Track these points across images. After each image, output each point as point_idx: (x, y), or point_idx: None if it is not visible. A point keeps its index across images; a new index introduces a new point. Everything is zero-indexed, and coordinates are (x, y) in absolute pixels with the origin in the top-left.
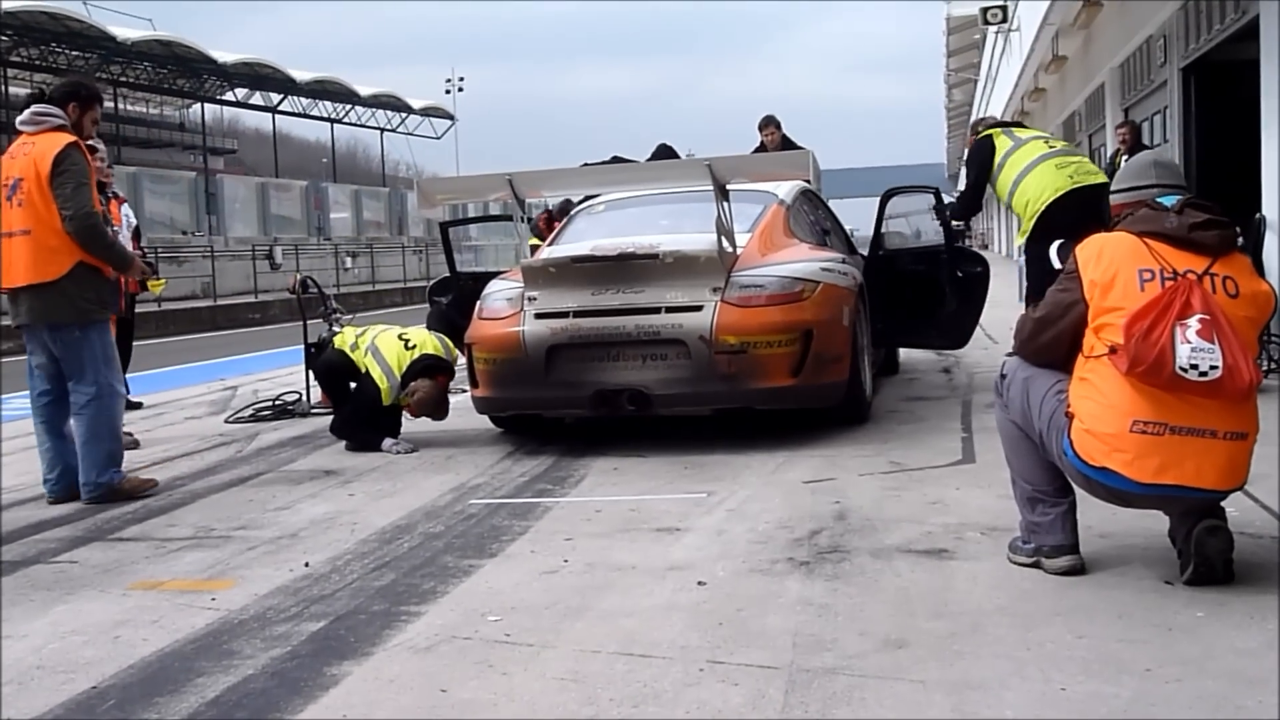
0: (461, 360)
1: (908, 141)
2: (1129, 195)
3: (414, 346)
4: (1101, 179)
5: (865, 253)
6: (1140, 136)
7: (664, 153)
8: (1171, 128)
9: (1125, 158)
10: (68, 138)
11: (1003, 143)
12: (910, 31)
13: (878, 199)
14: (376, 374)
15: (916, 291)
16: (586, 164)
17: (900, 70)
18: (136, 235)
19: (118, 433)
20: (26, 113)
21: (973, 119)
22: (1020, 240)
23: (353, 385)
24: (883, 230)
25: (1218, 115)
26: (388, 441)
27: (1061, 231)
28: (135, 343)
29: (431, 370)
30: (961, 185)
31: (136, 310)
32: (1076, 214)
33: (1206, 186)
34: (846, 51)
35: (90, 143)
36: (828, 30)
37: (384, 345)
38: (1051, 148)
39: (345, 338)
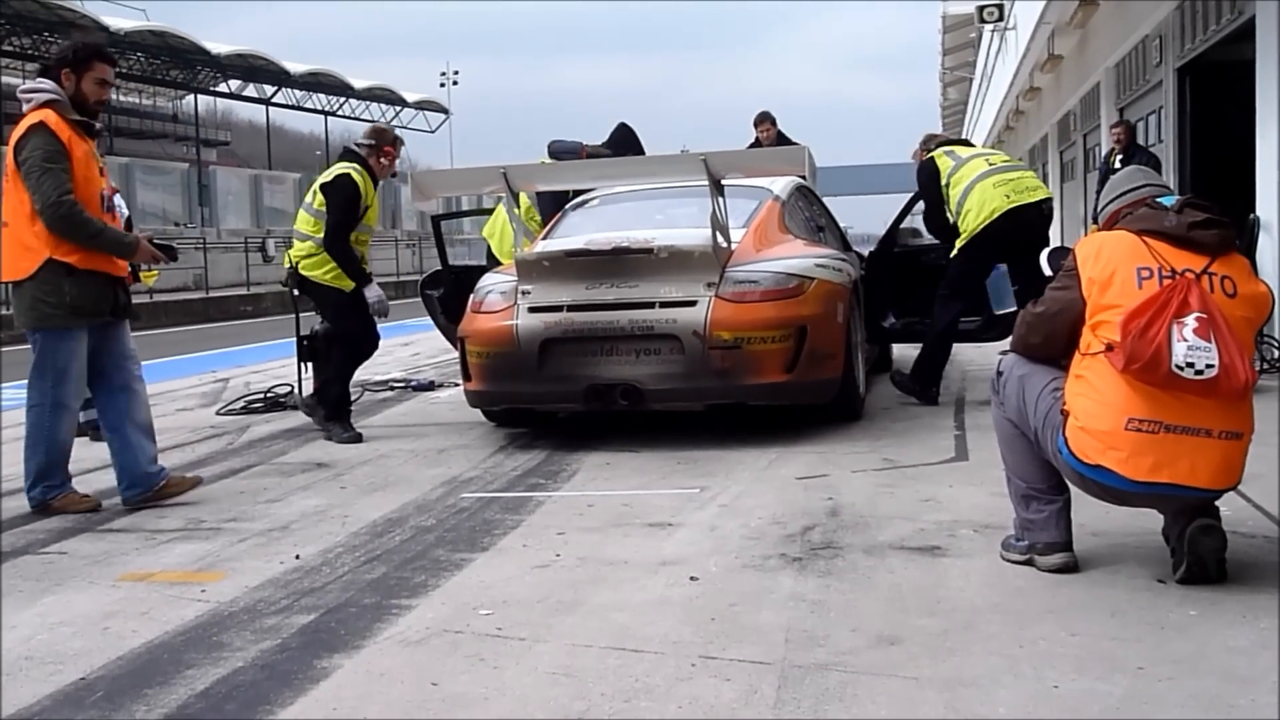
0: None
1: (903, 140)
2: (1125, 199)
3: None
4: (1040, 195)
5: (869, 249)
6: (1135, 136)
7: (622, 133)
8: (1166, 128)
9: (1120, 158)
10: (33, 118)
11: (945, 163)
12: (906, 30)
13: (873, 197)
14: (343, 168)
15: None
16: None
17: (895, 69)
18: (128, 226)
19: (57, 448)
20: (18, 91)
21: (926, 135)
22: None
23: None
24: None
25: (1213, 116)
26: (336, 430)
27: (995, 249)
28: None
29: None
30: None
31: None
32: (1011, 233)
33: (1201, 187)
34: (843, 50)
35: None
36: (825, 28)
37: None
38: (991, 165)
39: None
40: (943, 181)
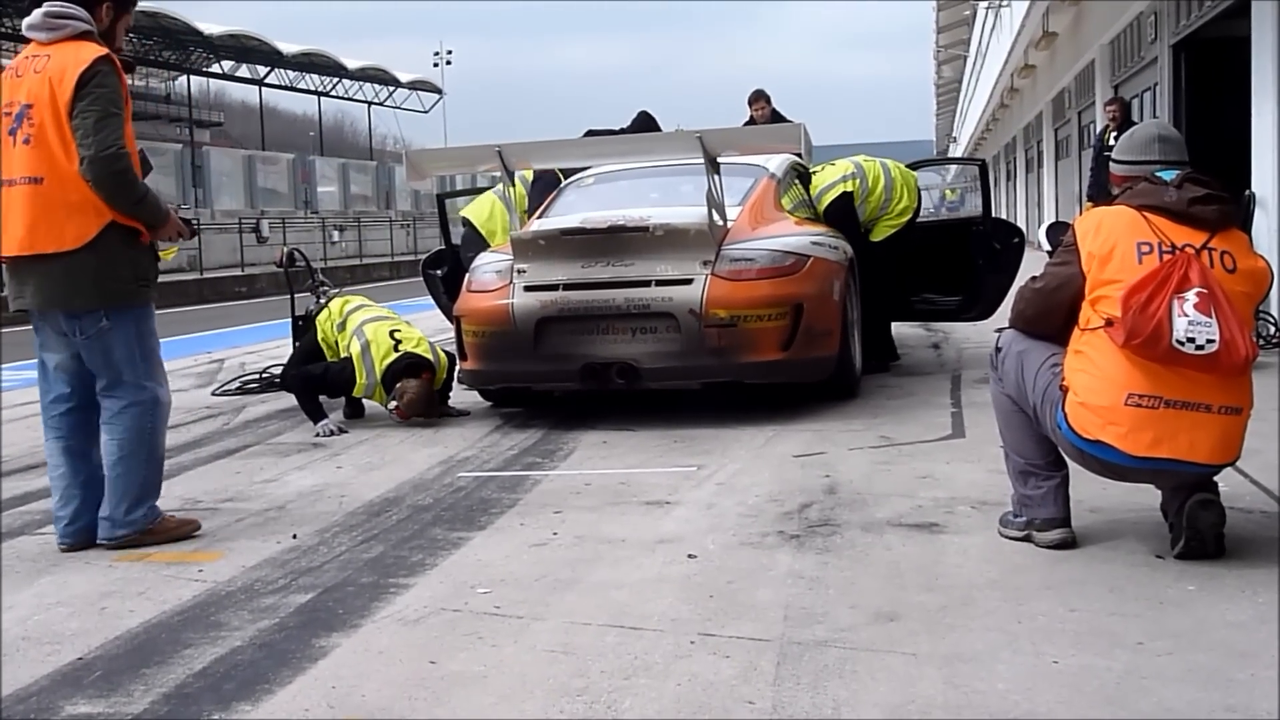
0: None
1: (896, 118)
2: (1130, 169)
3: (400, 347)
4: None
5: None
6: (1130, 113)
7: (644, 121)
8: (1161, 104)
9: (1114, 135)
10: (97, 49)
11: (854, 185)
12: (900, 7)
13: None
14: (358, 367)
15: (942, 264)
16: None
17: (889, 47)
18: None
19: (159, 456)
20: (37, 14)
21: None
22: (880, 236)
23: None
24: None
25: (1208, 92)
26: (320, 424)
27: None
28: None
29: (414, 369)
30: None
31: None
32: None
33: (1196, 163)
34: (836, 27)
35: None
36: (819, 5)
37: (374, 340)
38: (878, 159)
39: (331, 315)
40: (858, 201)
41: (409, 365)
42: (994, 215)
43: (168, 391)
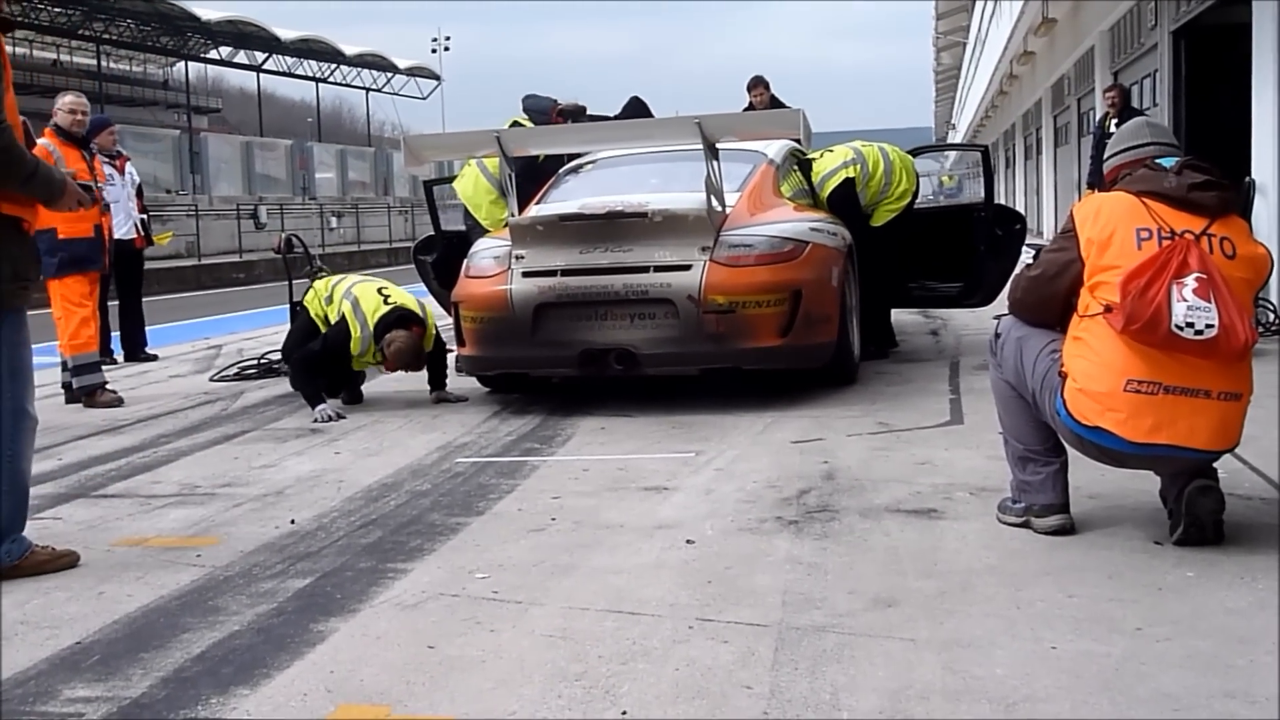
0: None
1: (895, 105)
2: (1126, 156)
3: (390, 301)
4: None
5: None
6: (1129, 100)
7: (635, 106)
8: (1161, 91)
9: (1115, 121)
10: None
11: (855, 171)
12: None
13: None
14: (351, 322)
15: (944, 251)
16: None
17: (888, 33)
18: (140, 194)
19: (23, 485)
20: None
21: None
22: (881, 220)
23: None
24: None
25: (1208, 79)
26: (318, 408)
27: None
28: (115, 302)
29: (404, 321)
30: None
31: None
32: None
33: (1196, 150)
34: (835, 13)
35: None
36: None
37: (363, 296)
38: (876, 144)
39: (318, 293)
40: (860, 187)
41: (399, 318)
42: (996, 201)
43: (35, 411)
